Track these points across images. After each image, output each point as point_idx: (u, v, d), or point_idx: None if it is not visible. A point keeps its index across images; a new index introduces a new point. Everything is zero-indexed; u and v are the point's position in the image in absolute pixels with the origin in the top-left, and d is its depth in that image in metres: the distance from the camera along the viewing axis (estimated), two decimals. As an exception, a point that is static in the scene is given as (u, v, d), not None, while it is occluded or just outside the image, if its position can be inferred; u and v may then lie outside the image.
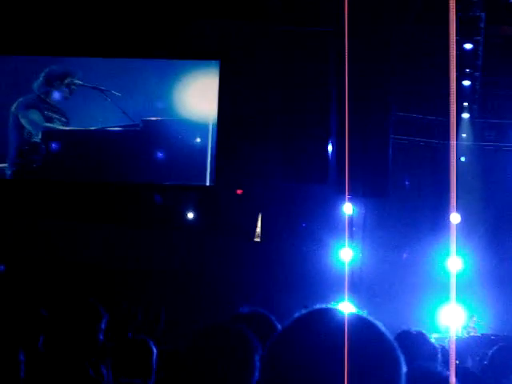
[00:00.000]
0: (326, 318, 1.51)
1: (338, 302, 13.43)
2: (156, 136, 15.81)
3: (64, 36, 15.02)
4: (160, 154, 15.74)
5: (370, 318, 1.54)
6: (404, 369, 1.52)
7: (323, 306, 1.56)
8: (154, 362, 5.17)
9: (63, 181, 15.51)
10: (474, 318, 14.04)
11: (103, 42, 15.16)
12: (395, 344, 1.53)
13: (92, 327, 3.58)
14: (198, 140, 15.73)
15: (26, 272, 14.04)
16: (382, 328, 1.54)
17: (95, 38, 15.10)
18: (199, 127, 15.73)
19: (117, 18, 14.81)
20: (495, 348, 4.83)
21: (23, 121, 15.95)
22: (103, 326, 3.64)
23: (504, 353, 4.73)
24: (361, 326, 1.51)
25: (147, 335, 5.69)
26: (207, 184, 15.60)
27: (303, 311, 1.54)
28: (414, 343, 4.31)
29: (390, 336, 1.54)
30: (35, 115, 15.96)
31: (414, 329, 4.58)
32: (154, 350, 5.25)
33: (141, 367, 5.16)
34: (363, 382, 1.45)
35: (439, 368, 3.37)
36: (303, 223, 15.13)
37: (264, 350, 1.55)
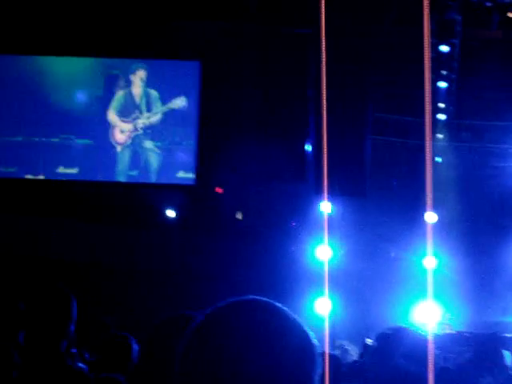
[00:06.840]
0: (237, 311, 1.49)
1: (314, 300, 13.58)
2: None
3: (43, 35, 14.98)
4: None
5: (280, 307, 1.51)
6: (319, 359, 1.49)
7: (238, 298, 1.53)
8: (135, 357, 5.20)
9: (44, 179, 15.52)
10: (447, 315, 14.20)
11: (82, 41, 15.12)
12: (310, 334, 1.50)
13: (62, 313, 3.54)
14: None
15: (4, 268, 14.04)
16: (296, 318, 1.51)
17: (73, 37, 15.07)
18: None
19: (97, 17, 14.80)
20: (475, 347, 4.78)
21: None
22: (74, 313, 3.58)
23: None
24: (272, 318, 1.48)
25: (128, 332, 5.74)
26: (188, 183, 15.65)
27: (218, 304, 1.52)
28: (405, 339, 4.30)
29: (306, 328, 1.51)
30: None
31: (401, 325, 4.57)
32: (135, 346, 5.31)
33: (121, 363, 5.22)
34: (275, 376, 1.43)
35: (417, 367, 3.32)
36: (293, 222, 15.22)
37: (180, 344, 1.51)
